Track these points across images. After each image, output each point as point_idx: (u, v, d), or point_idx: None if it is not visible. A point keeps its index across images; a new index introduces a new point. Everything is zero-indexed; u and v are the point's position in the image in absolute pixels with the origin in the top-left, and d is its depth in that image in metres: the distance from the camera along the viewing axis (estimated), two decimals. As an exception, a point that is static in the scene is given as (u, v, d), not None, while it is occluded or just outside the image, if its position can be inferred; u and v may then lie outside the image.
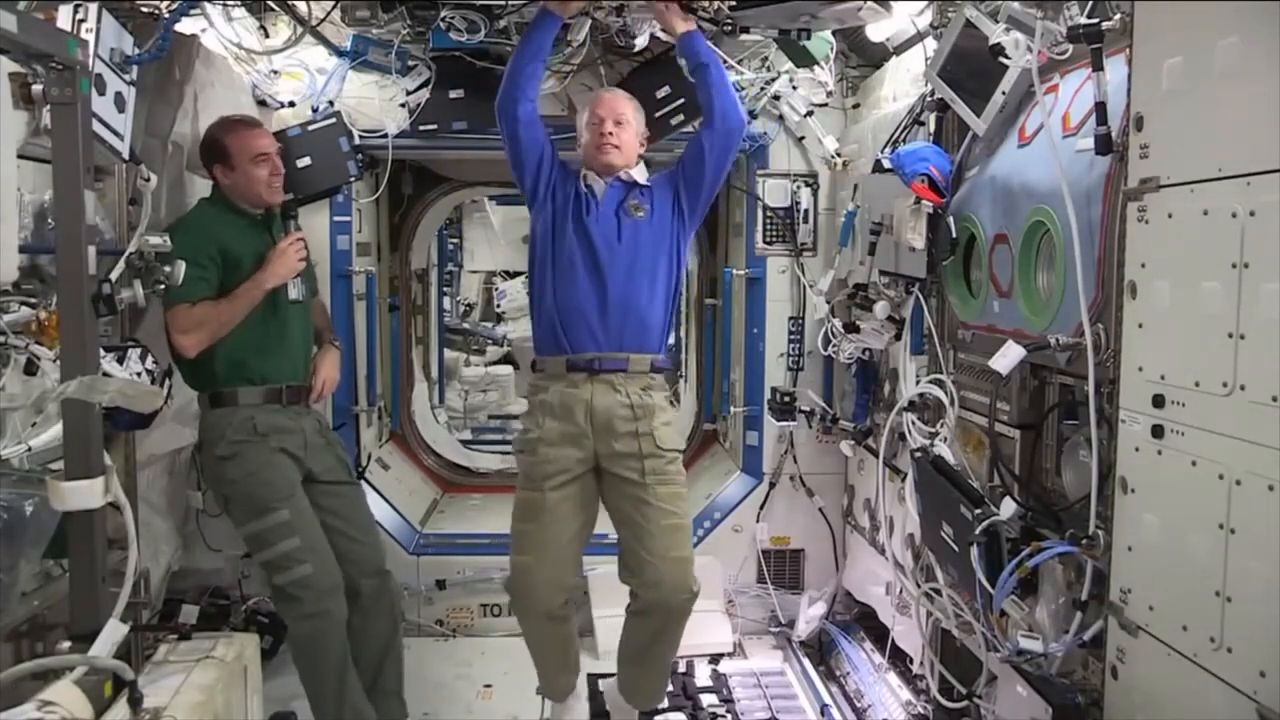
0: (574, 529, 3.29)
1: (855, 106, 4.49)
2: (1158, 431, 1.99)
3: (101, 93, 2.78)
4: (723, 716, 3.85)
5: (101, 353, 2.60)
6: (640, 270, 3.29)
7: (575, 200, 3.32)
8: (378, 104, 4.35)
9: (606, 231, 3.28)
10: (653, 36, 3.88)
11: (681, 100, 4.20)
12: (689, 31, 3.30)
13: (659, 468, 3.23)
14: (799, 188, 4.57)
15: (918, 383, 3.38)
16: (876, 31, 3.91)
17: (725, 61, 3.96)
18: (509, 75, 3.31)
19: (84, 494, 2.31)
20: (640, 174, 3.43)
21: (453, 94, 4.32)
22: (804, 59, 4.02)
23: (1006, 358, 2.52)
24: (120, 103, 2.93)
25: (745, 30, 3.58)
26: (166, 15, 3.07)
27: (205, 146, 3.40)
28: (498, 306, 11.35)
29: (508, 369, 10.23)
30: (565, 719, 3.57)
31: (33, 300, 2.60)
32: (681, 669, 4.17)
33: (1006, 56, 2.66)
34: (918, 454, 3.14)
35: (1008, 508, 2.59)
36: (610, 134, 3.33)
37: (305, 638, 3.33)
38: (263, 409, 3.37)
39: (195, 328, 3.20)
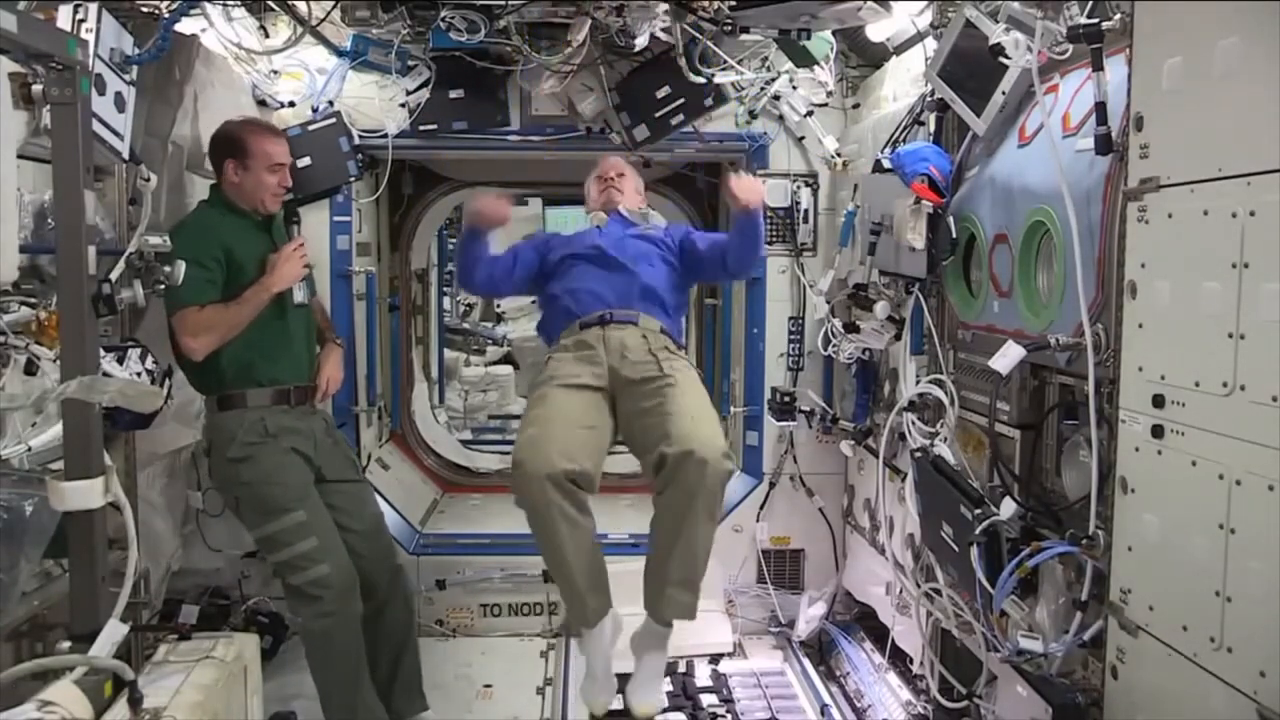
0: (585, 420, 3.13)
1: (855, 106, 4.49)
2: (1158, 431, 1.99)
3: (101, 93, 2.78)
4: (723, 716, 3.85)
5: (101, 353, 2.61)
6: (645, 258, 3.51)
7: (582, 234, 3.66)
8: (378, 104, 4.35)
9: (612, 236, 3.59)
10: (653, 36, 3.88)
11: (682, 100, 4.21)
12: (756, 209, 3.40)
13: (678, 366, 3.24)
14: (799, 188, 4.57)
15: (918, 383, 3.38)
16: (876, 31, 3.91)
17: (726, 62, 3.98)
18: (466, 275, 3.68)
19: (84, 494, 2.31)
20: (640, 219, 3.75)
21: (453, 94, 4.32)
22: (804, 59, 4.02)
23: (1006, 358, 2.52)
24: (120, 103, 2.93)
25: (745, 30, 3.58)
26: (166, 15, 3.07)
27: (223, 141, 3.38)
28: (498, 306, 11.34)
29: (508, 369, 10.23)
30: (595, 653, 3.14)
31: (33, 300, 2.60)
32: (681, 669, 4.17)
33: (1006, 56, 2.66)
34: (918, 454, 3.14)
35: (1008, 508, 2.59)
36: (612, 179, 3.81)
37: (322, 636, 3.33)
38: (272, 410, 3.37)
39: (204, 331, 3.19)
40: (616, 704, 3.85)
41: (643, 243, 3.58)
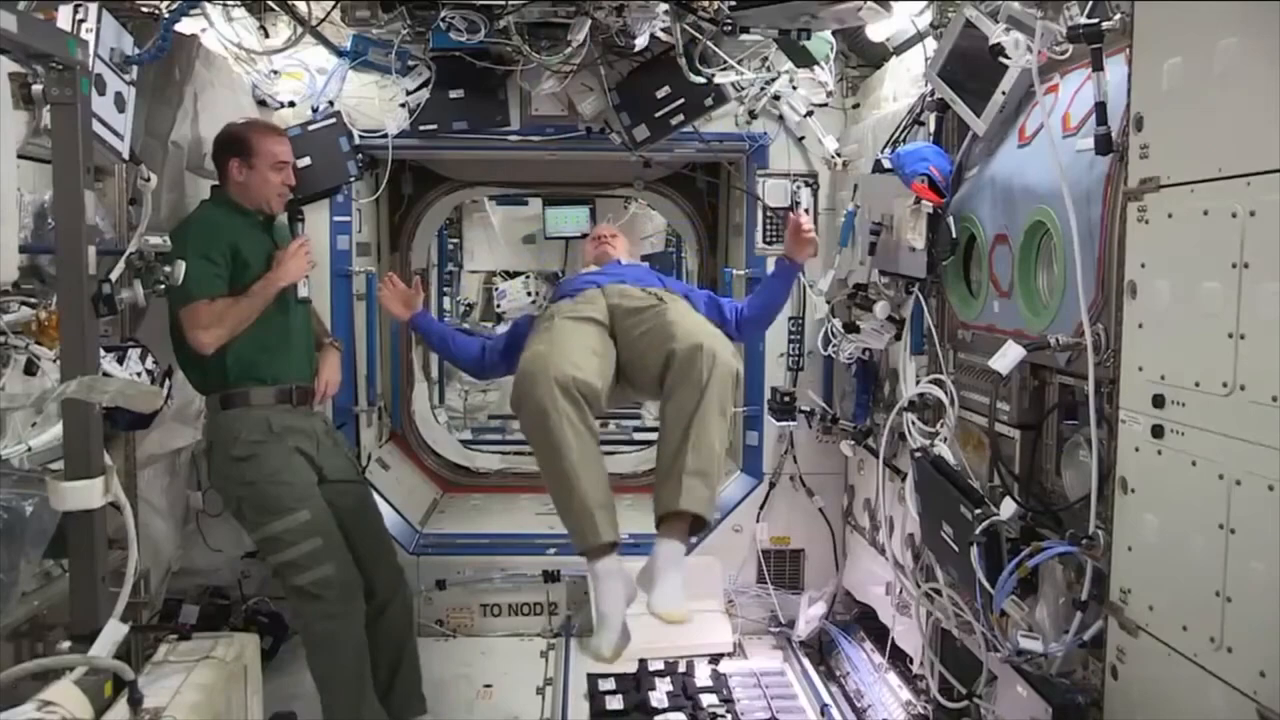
0: (591, 345, 3.08)
1: (855, 106, 4.49)
2: (1158, 431, 1.99)
3: (101, 93, 2.78)
4: (723, 716, 3.85)
5: (101, 353, 2.60)
6: (647, 277, 3.59)
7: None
8: (378, 104, 4.36)
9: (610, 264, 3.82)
10: (653, 36, 3.88)
11: (682, 100, 4.21)
12: (799, 265, 3.71)
13: (674, 298, 3.33)
14: (799, 188, 4.57)
15: (918, 383, 3.38)
16: (876, 31, 3.91)
17: (726, 62, 3.98)
18: (465, 369, 4.00)
19: (84, 494, 2.31)
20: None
21: (453, 94, 4.32)
22: (804, 59, 4.02)
23: (1006, 358, 2.52)
24: (120, 103, 2.93)
25: (745, 30, 3.58)
26: (166, 15, 3.07)
27: (227, 139, 3.40)
28: (498, 306, 11.34)
29: (508, 369, 10.22)
30: (606, 593, 2.84)
31: (33, 300, 2.60)
32: (681, 669, 4.17)
33: (1006, 56, 2.66)
34: (918, 454, 3.14)
35: (1008, 508, 2.59)
36: (606, 237, 4.05)
37: (326, 637, 3.33)
38: (276, 409, 3.37)
39: (215, 323, 3.20)
40: (617, 704, 3.88)
41: (644, 272, 3.76)
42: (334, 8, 3.60)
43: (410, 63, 4.26)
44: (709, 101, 4.26)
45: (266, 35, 4.03)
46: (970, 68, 2.90)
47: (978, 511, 2.61)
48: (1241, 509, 1.76)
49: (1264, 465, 1.70)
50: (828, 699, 3.97)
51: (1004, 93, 2.74)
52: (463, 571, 4.61)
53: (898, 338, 3.60)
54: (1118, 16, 2.18)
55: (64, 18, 2.67)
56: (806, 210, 4.54)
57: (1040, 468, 2.66)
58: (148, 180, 3.09)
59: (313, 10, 3.65)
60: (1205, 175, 1.87)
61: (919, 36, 3.62)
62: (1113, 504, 2.16)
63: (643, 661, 4.19)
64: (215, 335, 3.20)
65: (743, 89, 4.33)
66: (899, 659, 3.81)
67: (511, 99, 4.42)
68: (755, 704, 3.98)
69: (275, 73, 4.18)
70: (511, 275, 11.14)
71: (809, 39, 3.80)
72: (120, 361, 2.89)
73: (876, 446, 3.90)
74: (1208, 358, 1.85)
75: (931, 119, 3.35)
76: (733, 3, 3.33)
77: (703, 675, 4.19)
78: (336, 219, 4.50)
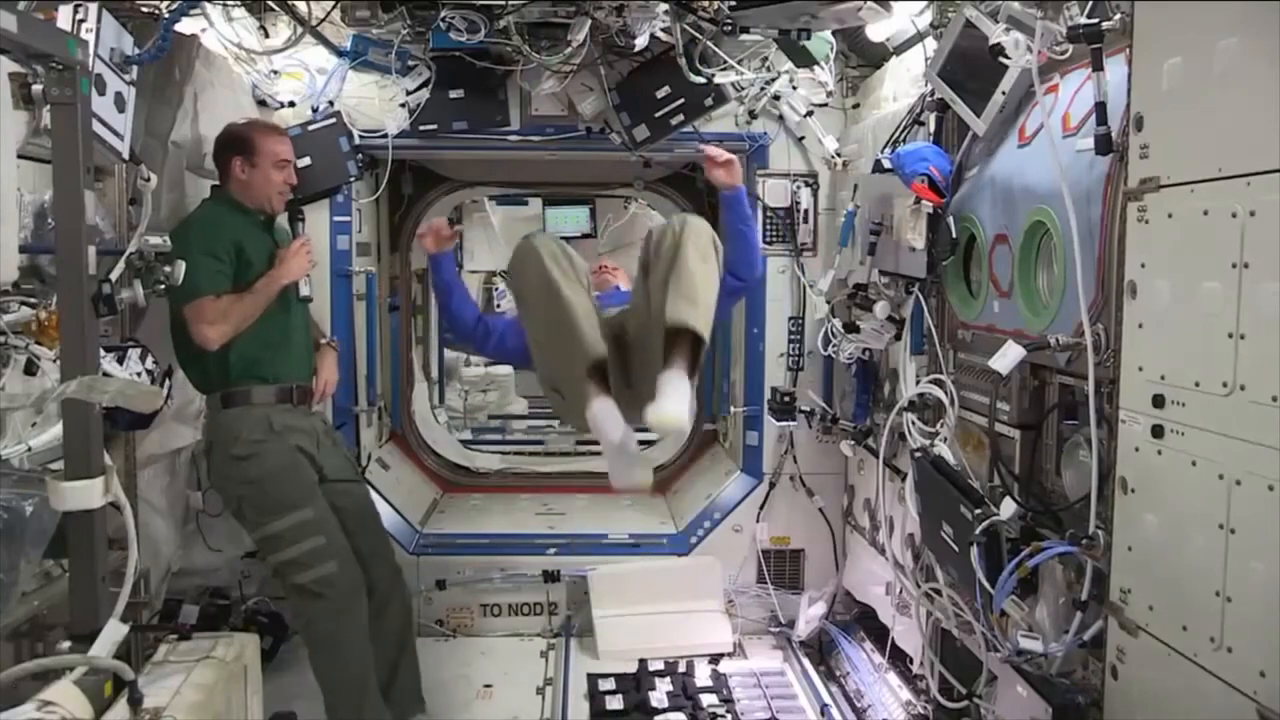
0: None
1: (855, 106, 4.49)
2: (1158, 431, 1.99)
3: (101, 93, 2.78)
4: (723, 716, 3.85)
5: (101, 353, 2.61)
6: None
7: None
8: (378, 104, 4.36)
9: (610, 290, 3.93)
10: (653, 36, 3.88)
11: (682, 100, 4.21)
12: (738, 189, 3.55)
13: None
14: (799, 188, 4.57)
15: (918, 383, 3.38)
16: (876, 31, 3.91)
17: (726, 62, 3.98)
18: (455, 325, 3.87)
19: (84, 494, 2.31)
20: None
21: (453, 94, 4.33)
22: (804, 59, 4.02)
23: (1006, 358, 2.52)
24: (120, 103, 2.93)
25: (745, 30, 3.58)
26: (166, 15, 3.07)
27: (230, 138, 3.41)
28: (498, 306, 11.34)
29: (508, 369, 10.21)
30: (608, 421, 2.93)
31: (33, 300, 2.60)
32: (681, 669, 4.17)
33: (1006, 56, 2.66)
34: (918, 454, 3.14)
35: (1008, 508, 2.59)
36: (606, 267, 4.25)
37: (328, 637, 3.32)
38: (276, 408, 3.38)
39: (220, 319, 3.20)
40: (617, 704, 3.88)
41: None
42: (334, 8, 3.60)
43: (410, 63, 4.27)
44: (709, 101, 4.26)
45: (266, 35, 4.03)
46: (970, 68, 2.90)
47: (978, 511, 2.61)
48: (1241, 509, 1.76)
49: (1264, 465, 1.70)
50: (828, 699, 3.98)
51: (1004, 93, 2.75)
52: (463, 571, 4.60)
53: (898, 338, 3.61)
54: (1118, 16, 2.18)
55: (64, 18, 2.67)
56: (806, 210, 4.55)
57: (1040, 468, 2.66)
58: (148, 180, 3.09)
59: (313, 10, 3.65)
60: (1205, 175, 1.87)
61: (919, 36, 3.62)
62: (1113, 504, 2.17)
63: (643, 661, 4.19)
64: (220, 331, 3.21)
65: (743, 89, 4.33)
66: (899, 659, 3.81)
67: (511, 99, 4.42)
68: (755, 704, 3.98)
69: (275, 73, 4.18)
70: (511, 275, 11.14)
71: (809, 39, 3.80)
72: (120, 361, 2.89)
73: (876, 446, 3.90)
74: (1208, 358, 1.85)
75: (931, 119, 3.35)
76: (733, 3, 3.33)
77: (703, 675, 4.19)
78: (336, 219, 4.50)
